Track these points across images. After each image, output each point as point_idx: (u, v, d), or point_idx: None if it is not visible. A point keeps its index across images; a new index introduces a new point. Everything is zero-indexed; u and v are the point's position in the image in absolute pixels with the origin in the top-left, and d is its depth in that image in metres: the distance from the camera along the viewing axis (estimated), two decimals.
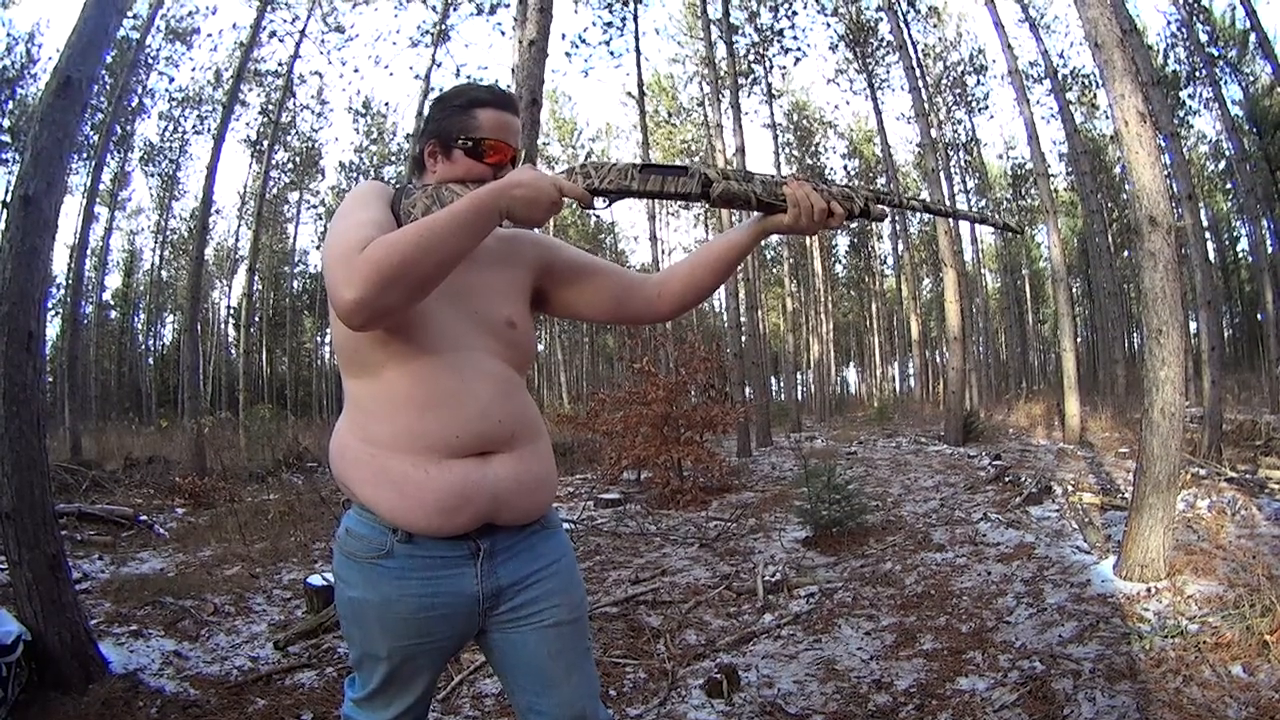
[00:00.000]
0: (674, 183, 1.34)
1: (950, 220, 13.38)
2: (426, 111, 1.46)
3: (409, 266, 1.10)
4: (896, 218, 24.77)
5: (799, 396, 27.45)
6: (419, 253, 1.11)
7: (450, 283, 1.23)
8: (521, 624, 1.36)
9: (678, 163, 1.53)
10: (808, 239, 28.68)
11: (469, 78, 17.51)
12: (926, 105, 16.78)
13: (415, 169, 1.44)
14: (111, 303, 29.73)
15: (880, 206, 1.38)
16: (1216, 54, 16.29)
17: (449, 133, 1.37)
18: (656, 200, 1.45)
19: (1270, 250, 16.22)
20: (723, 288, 15.72)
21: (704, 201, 1.35)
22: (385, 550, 1.28)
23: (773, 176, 1.38)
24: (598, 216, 30.60)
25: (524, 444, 1.34)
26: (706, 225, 31.27)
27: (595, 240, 31.31)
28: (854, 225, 23.74)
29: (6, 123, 17.06)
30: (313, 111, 23.17)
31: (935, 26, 22.31)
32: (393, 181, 1.52)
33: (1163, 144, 8.02)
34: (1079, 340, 16.43)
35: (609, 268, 1.53)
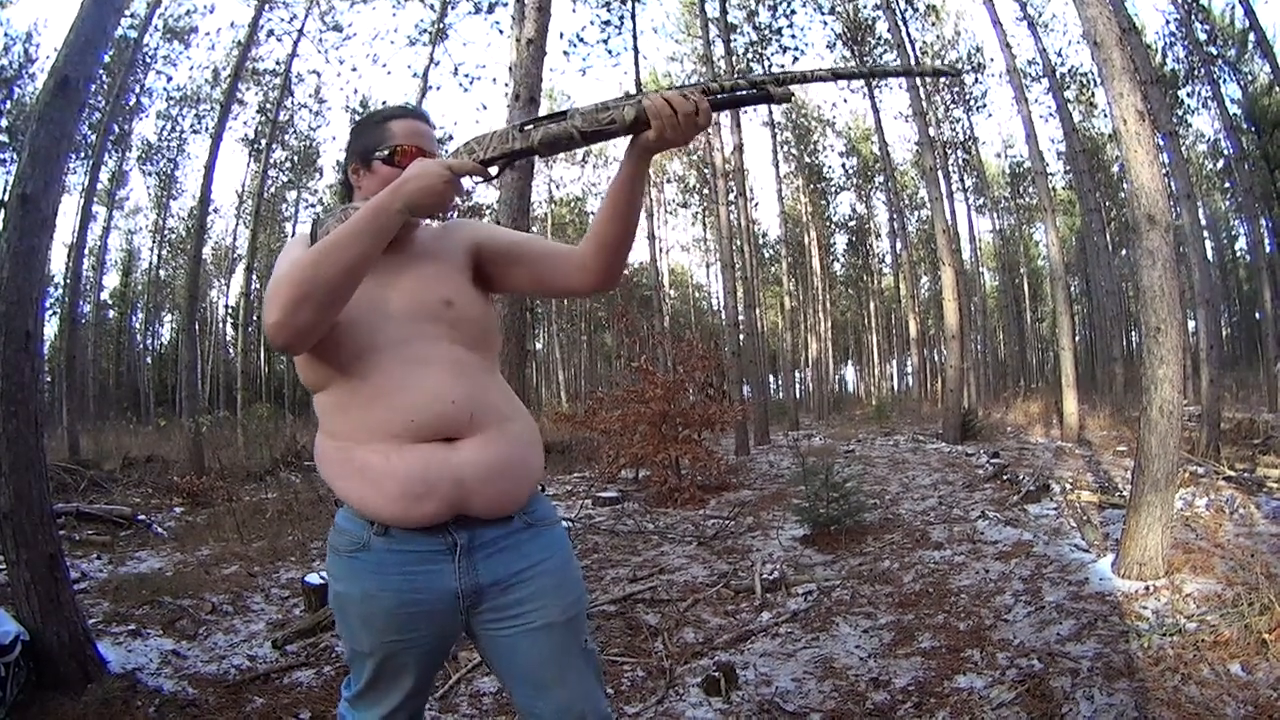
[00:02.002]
0: (550, 130, 1.32)
1: (946, 211, 13.38)
2: (348, 139, 1.51)
3: (313, 282, 1.17)
4: (894, 216, 24.80)
5: (797, 395, 27.45)
6: (318, 268, 1.18)
7: (379, 285, 1.31)
8: (508, 625, 1.34)
9: (561, 109, 1.45)
10: (805, 238, 28.76)
11: (467, 75, 17.50)
12: (924, 104, 16.79)
13: (345, 194, 1.49)
14: (109, 302, 29.68)
15: (783, 89, 1.28)
16: (1215, 53, 16.28)
17: (367, 148, 1.43)
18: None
19: (1268, 249, 16.22)
20: (721, 286, 15.73)
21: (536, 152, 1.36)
22: (363, 544, 1.30)
23: (597, 104, 1.31)
24: (593, 214, 30.57)
25: (489, 427, 1.33)
26: (704, 224, 31.29)
27: None
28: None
29: (4, 123, 17.02)
30: (311, 110, 23.13)
31: (933, 25, 22.30)
32: None
33: (1161, 143, 8.03)
34: (1077, 338, 16.44)
35: (539, 245, 1.53)
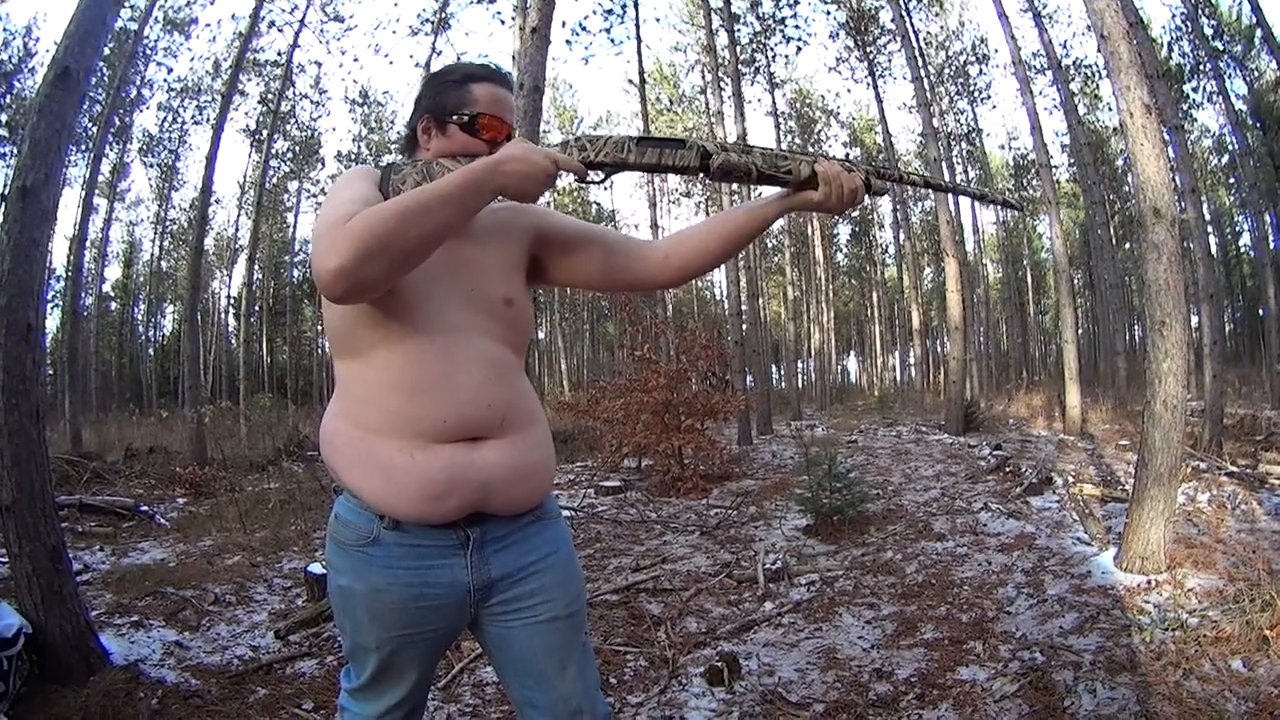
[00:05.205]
0: (671, 155, 1.32)
1: (950, 202, 13.36)
2: (420, 88, 1.43)
3: (392, 237, 1.08)
4: (897, 207, 24.74)
5: (800, 385, 27.45)
6: (403, 224, 1.09)
7: (445, 259, 1.22)
8: (514, 618, 1.33)
9: (676, 135, 1.51)
10: (808, 229, 28.69)
11: None
12: (929, 94, 16.67)
13: (407, 147, 1.42)
14: (111, 294, 29.70)
15: (880, 182, 1.38)
16: (1221, 48, 16.18)
17: (444, 108, 1.35)
18: (657, 175, 1.43)
19: (1272, 245, 16.20)
20: (724, 276, 15.72)
21: (703, 174, 1.33)
22: (373, 537, 1.25)
23: (774, 150, 1.36)
24: (597, 203, 30.53)
25: (517, 430, 1.30)
26: (708, 213, 31.18)
27: None
28: (863, 204, 23.52)
29: (4, 117, 16.99)
30: (312, 101, 23.06)
31: (937, 15, 22.20)
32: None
33: (1166, 137, 7.98)
34: (1080, 332, 16.41)
35: (606, 233, 1.50)
